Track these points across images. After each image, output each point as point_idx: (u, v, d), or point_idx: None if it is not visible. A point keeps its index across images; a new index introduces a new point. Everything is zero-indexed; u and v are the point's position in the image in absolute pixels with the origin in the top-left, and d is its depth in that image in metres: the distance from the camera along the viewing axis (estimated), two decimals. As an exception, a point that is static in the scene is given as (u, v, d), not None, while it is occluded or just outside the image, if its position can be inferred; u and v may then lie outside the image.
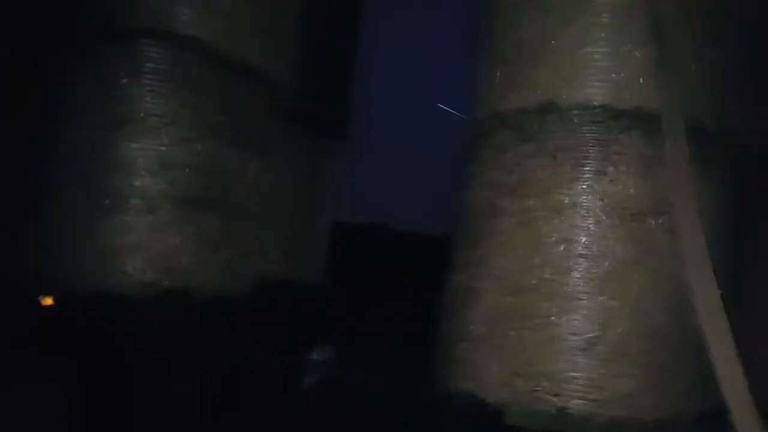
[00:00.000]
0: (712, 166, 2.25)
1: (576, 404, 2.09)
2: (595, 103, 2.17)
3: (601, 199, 2.14)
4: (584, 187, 2.16)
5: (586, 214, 2.14)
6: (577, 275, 2.14)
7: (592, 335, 2.10)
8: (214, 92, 2.97)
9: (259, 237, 3.43)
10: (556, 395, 2.11)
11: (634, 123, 2.14)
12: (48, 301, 2.63)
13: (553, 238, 2.18)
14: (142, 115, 2.74)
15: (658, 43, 2.13)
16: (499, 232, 2.32)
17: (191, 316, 2.85)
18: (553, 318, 2.15)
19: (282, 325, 3.32)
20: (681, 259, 2.05)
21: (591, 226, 2.14)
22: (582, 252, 2.14)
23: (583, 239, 2.14)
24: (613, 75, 2.18)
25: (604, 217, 2.13)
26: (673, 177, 1.91)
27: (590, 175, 2.15)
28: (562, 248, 2.16)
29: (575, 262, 2.15)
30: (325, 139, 4.51)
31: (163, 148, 2.74)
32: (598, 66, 2.19)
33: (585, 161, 2.16)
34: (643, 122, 2.14)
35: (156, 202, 2.73)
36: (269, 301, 3.51)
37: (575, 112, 2.20)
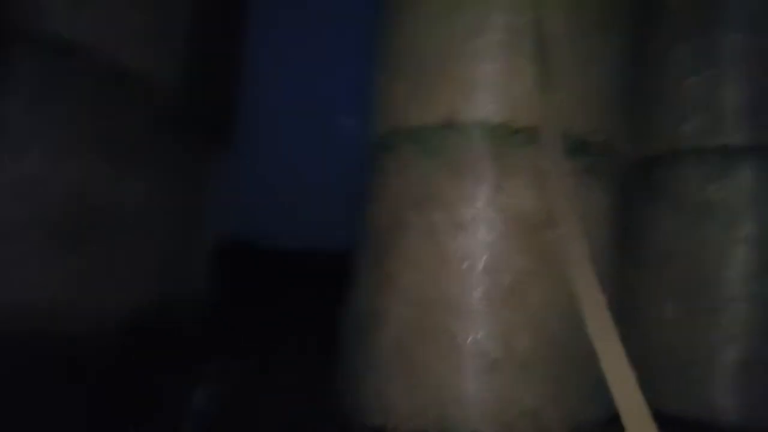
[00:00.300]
0: (596, 178, 2.33)
1: (486, 427, 2.06)
2: (492, 120, 2.18)
3: (501, 214, 2.14)
4: (484, 201, 2.15)
5: (487, 229, 2.13)
6: (481, 291, 2.12)
7: (497, 353, 2.08)
8: (90, 102, 2.68)
9: (137, 262, 3.15)
10: (465, 419, 2.07)
11: (529, 139, 2.17)
12: None
13: (458, 254, 2.15)
14: (5, 129, 2.41)
15: (541, 61, 2.18)
16: (405, 247, 2.26)
17: (57, 360, 2.53)
18: (458, 339, 2.11)
19: (163, 354, 3.07)
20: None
21: (493, 240, 2.13)
22: (485, 267, 2.12)
23: (485, 255, 2.13)
24: (509, 92, 2.19)
25: (504, 232, 2.13)
26: (554, 190, 1.94)
27: (489, 191, 2.15)
28: (466, 264, 2.13)
29: (479, 279, 2.13)
30: (209, 149, 4.29)
31: (29, 166, 2.42)
32: (494, 83, 2.20)
33: (484, 176, 2.15)
34: (538, 138, 2.17)
35: (19, 231, 2.40)
36: (146, 333, 3.24)
37: (474, 128, 2.19)
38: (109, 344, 2.76)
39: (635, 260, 2.45)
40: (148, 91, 3.08)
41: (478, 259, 2.13)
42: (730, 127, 2.35)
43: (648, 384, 2.19)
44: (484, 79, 2.23)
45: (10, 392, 2.14)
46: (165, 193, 3.53)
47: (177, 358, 3.02)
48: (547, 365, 2.10)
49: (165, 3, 3.24)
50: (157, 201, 3.34)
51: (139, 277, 3.09)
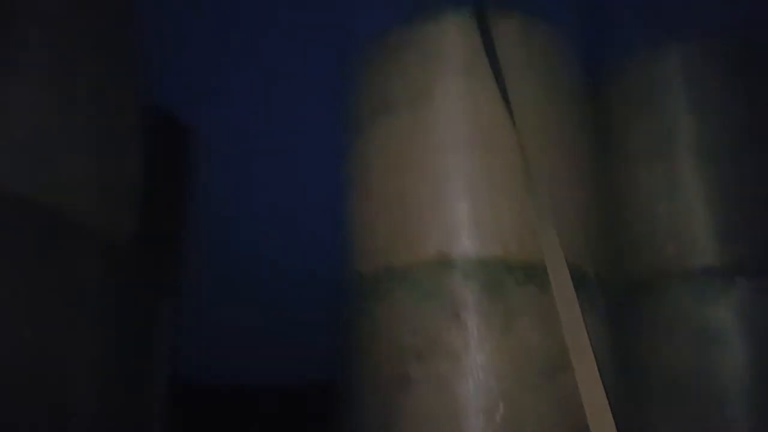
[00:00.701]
0: (595, 308, 2.31)
1: None
2: (488, 257, 2.14)
3: (512, 360, 2.04)
4: (493, 348, 2.05)
5: (501, 376, 2.01)
6: (501, 444, 1.96)
7: None
8: (48, 259, 2.42)
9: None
10: None
11: (529, 276, 2.13)
12: None
13: (472, 407, 2.00)
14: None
15: (531, 195, 2.21)
16: (411, 404, 2.09)
17: None
18: (484, 499, 1.91)
19: None
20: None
21: (507, 388, 2.01)
22: (503, 418, 1.98)
23: (501, 405, 1.99)
24: (502, 228, 2.18)
25: (517, 379, 2.02)
26: (569, 326, 1.89)
27: (498, 335, 2.06)
28: (482, 418, 1.98)
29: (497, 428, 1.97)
30: (158, 295, 4.02)
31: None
32: (486, 219, 2.18)
33: (489, 318, 2.07)
34: (537, 275, 2.14)
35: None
36: None
37: (470, 266, 2.13)
38: None
39: (639, 388, 2.39)
40: (101, 244, 2.86)
41: (495, 411, 1.99)
42: (709, 250, 2.43)
43: None
44: (476, 214, 2.21)
45: None
46: (115, 345, 3.20)
47: None
48: None
49: (117, 151, 3.11)
50: (108, 354, 3.01)
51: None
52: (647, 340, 2.46)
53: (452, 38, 2.49)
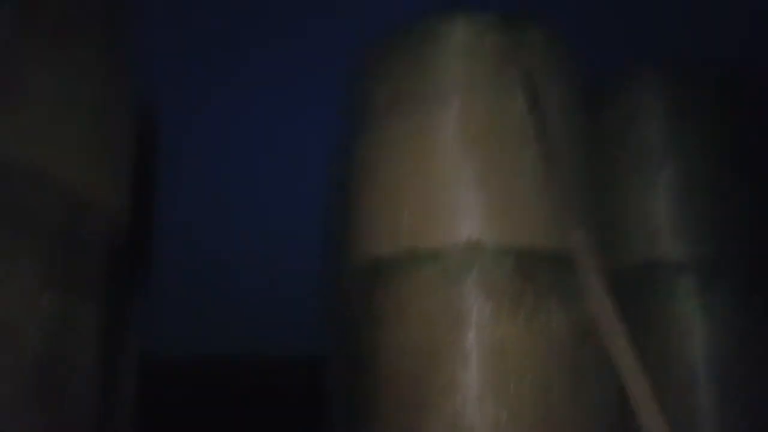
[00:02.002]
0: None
1: None
2: (519, 243, 2.34)
3: (540, 335, 2.26)
4: (523, 325, 2.25)
5: (529, 351, 2.23)
6: (528, 413, 2.17)
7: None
8: (57, 231, 2.33)
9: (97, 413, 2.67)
10: None
11: (556, 260, 2.36)
12: None
13: (501, 378, 2.20)
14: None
15: (554, 186, 2.44)
16: (441, 372, 2.25)
17: None
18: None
19: None
20: (605, 379, 2.29)
21: (534, 362, 2.23)
22: (529, 389, 2.20)
23: (529, 376, 2.21)
24: (529, 216, 2.39)
25: (544, 353, 2.24)
26: (598, 307, 2.12)
27: (527, 313, 2.27)
28: (511, 387, 2.19)
29: (524, 401, 2.19)
30: (134, 272, 3.91)
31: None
32: (514, 208, 2.38)
33: (521, 300, 2.27)
34: (562, 262, 2.38)
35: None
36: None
37: (502, 252, 2.32)
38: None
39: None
40: (101, 219, 2.77)
41: (523, 381, 2.20)
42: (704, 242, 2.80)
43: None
44: (503, 203, 2.40)
45: None
46: (106, 324, 3.09)
47: None
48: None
49: (112, 127, 3.00)
50: (103, 333, 2.90)
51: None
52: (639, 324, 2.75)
53: (478, 37, 2.66)
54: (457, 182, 2.46)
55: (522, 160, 2.48)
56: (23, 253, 2.15)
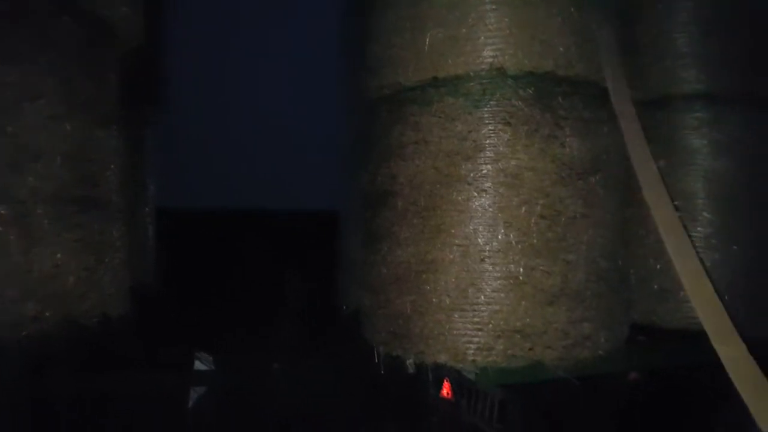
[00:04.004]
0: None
1: (548, 353, 2.26)
2: (541, 71, 2.29)
3: (553, 162, 2.29)
4: (538, 151, 2.28)
5: (542, 177, 2.28)
6: (539, 234, 2.28)
7: (556, 288, 2.28)
8: (76, 53, 2.32)
9: (126, 237, 2.87)
10: (530, 350, 2.25)
11: (574, 89, 2.32)
12: None
13: (514, 202, 2.28)
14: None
15: (579, 17, 2.33)
16: (456, 200, 2.33)
17: (79, 349, 2.28)
18: (521, 277, 2.26)
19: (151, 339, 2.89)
20: (614, 210, 2.36)
21: (547, 187, 2.29)
22: (541, 212, 2.28)
23: (541, 200, 2.28)
24: (553, 43, 2.31)
25: (556, 179, 2.29)
26: (628, 131, 2.13)
27: (543, 140, 2.28)
28: (523, 210, 2.27)
29: (536, 222, 2.28)
30: (146, 104, 3.96)
31: (26, 131, 2.07)
32: (540, 35, 2.30)
33: (538, 126, 2.27)
34: (581, 87, 2.34)
35: (26, 207, 2.07)
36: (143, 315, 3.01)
37: (523, 78, 2.28)
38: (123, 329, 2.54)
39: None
40: (118, 41, 2.74)
41: (535, 205, 2.27)
42: (716, 77, 2.71)
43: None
44: (527, 29, 2.31)
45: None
46: (125, 158, 3.18)
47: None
48: (595, 297, 2.34)
49: None
50: (125, 168, 3.01)
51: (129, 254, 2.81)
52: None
53: None
54: (481, 10, 2.35)
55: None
56: (50, 78, 2.16)
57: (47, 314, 2.07)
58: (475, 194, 2.31)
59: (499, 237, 2.28)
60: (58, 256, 2.14)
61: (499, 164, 2.29)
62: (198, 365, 2.97)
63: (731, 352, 1.77)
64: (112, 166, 2.57)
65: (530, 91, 2.28)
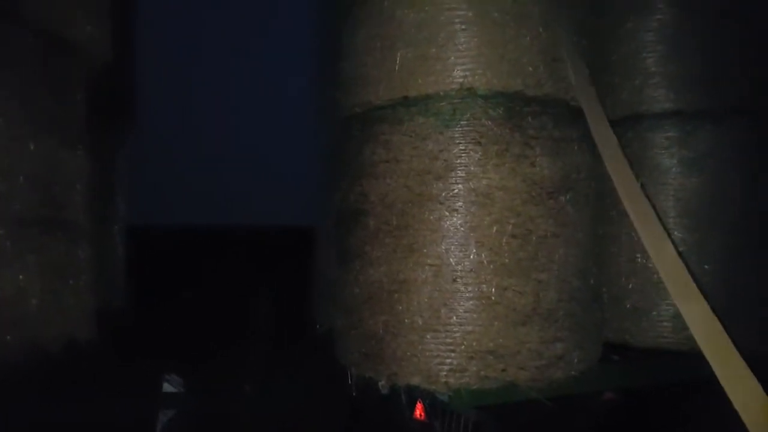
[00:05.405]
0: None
1: (521, 374, 2.24)
2: (510, 90, 2.30)
3: (524, 181, 2.29)
4: (509, 170, 2.28)
5: (513, 196, 2.27)
6: (510, 254, 2.27)
7: (528, 308, 2.27)
8: (41, 73, 2.28)
9: (93, 258, 2.80)
10: (503, 370, 2.23)
11: (544, 108, 2.33)
12: None
13: (486, 221, 2.27)
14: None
15: (549, 35, 2.35)
16: (427, 220, 2.32)
17: (43, 376, 2.21)
18: (493, 297, 2.25)
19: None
20: (586, 228, 2.37)
21: (518, 206, 2.28)
22: (513, 232, 2.27)
23: (512, 220, 2.27)
24: (522, 63, 2.32)
25: (527, 198, 2.29)
26: (606, 153, 2.13)
27: (513, 159, 2.28)
28: (494, 230, 2.26)
29: (507, 242, 2.27)
30: (115, 123, 3.91)
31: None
32: (509, 54, 2.31)
33: (508, 146, 2.28)
34: (550, 106, 2.35)
35: None
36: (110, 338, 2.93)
37: (492, 98, 2.29)
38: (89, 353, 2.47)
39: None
40: (86, 63, 2.70)
41: (507, 224, 2.27)
42: (685, 95, 2.75)
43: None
44: (497, 49, 2.32)
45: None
46: (96, 171, 3.12)
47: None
48: (567, 316, 2.34)
49: None
50: (94, 187, 2.95)
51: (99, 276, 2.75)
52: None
53: None
54: (450, 30, 2.35)
55: (516, 6, 2.36)
56: (13, 98, 2.12)
57: (9, 339, 2.00)
58: (447, 213, 2.30)
59: (471, 257, 2.26)
60: (21, 278, 2.07)
61: (470, 183, 2.28)
62: (167, 387, 2.90)
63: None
64: (78, 186, 2.52)
65: (500, 110, 2.29)
